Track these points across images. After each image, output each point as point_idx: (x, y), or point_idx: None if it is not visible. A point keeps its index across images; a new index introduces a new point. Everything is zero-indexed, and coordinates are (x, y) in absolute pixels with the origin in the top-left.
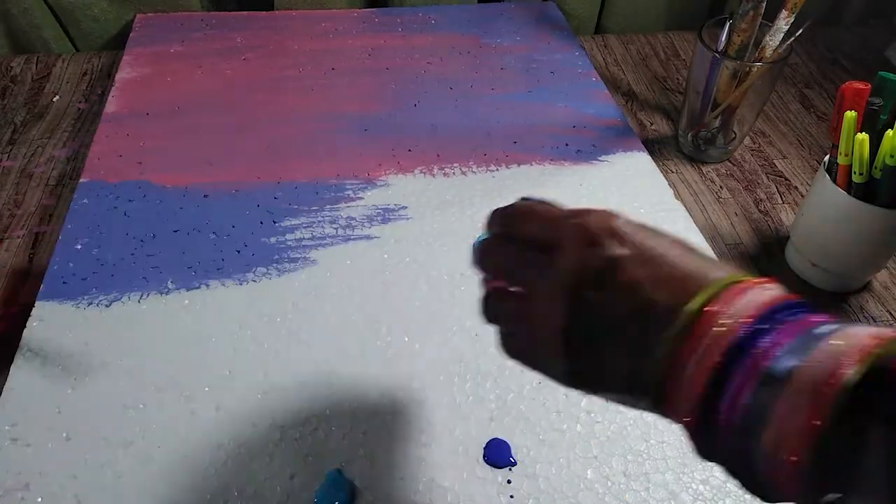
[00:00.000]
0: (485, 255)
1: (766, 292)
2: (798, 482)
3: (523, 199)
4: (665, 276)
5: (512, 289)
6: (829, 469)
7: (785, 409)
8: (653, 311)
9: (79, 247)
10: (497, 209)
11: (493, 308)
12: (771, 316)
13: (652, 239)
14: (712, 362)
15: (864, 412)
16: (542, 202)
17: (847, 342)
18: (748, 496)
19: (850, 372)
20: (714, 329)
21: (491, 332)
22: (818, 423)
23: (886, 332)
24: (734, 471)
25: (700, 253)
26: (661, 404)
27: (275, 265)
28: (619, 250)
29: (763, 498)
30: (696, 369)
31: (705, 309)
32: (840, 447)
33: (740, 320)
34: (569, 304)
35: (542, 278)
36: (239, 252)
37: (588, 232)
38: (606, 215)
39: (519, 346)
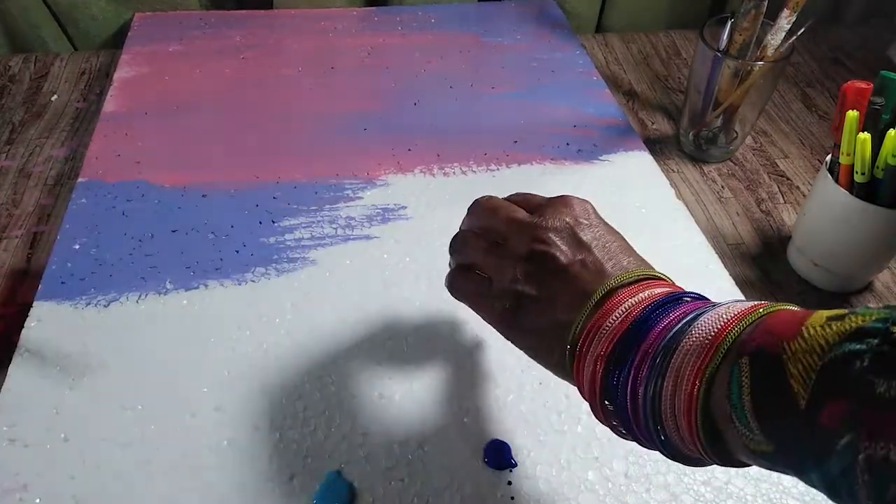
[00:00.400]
0: (460, 244)
1: (658, 290)
2: (695, 427)
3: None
4: (590, 263)
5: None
6: (718, 412)
7: (680, 360)
8: (577, 288)
9: (77, 247)
10: (474, 201)
11: (459, 284)
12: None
13: (595, 236)
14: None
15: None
16: (497, 206)
17: (727, 311)
18: (749, 496)
19: (733, 328)
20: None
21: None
22: (705, 364)
23: (761, 303)
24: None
25: (624, 251)
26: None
27: (274, 265)
28: (557, 238)
29: (684, 461)
30: (595, 357)
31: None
32: (721, 387)
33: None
34: (501, 277)
35: (500, 261)
36: (238, 252)
37: (532, 225)
38: (558, 215)
39: (469, 290)
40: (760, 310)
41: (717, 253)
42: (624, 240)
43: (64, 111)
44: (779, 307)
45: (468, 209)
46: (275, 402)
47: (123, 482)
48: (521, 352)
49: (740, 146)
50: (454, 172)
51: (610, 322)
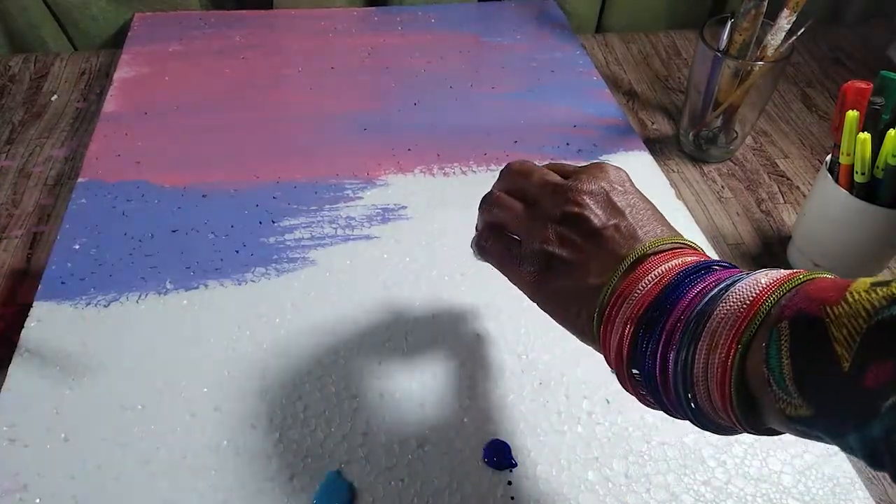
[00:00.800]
0: (491, 204)
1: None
2: (728, 393)
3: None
4: (623, 229)
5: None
6: (753, 374)
7: (715, 325)
8: (610, 251)
9: (77, 247)
10: (506, 165)
11: (488, 245)
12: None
13: (630, 202)
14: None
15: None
16: (531, 169)
17: (765, 277)
18: (749, 496)
19: (770, 294)
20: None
21: (492, 335)
22: (742, 329)
23: (798, 271)
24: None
25: (657, 220)
26: (598, 338)
27: (274, 265)
28: (591, 201)
29: (714, 429)
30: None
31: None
32: (758, 352)
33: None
34: (534, 237)
35: (531, 221)
36: (238, 252)
37: (566, 189)
38: (595, 181)
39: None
40: (800, 276)
41: (717, 253)
42: (657, 210)
43: (64, 111)
44: (817, 275)
45: (500, 172)
46: (275, 402)
47: (123, 482)
48: (549, 318)
49: (740, 146)
50: (454, 172)
51: (641, 286)
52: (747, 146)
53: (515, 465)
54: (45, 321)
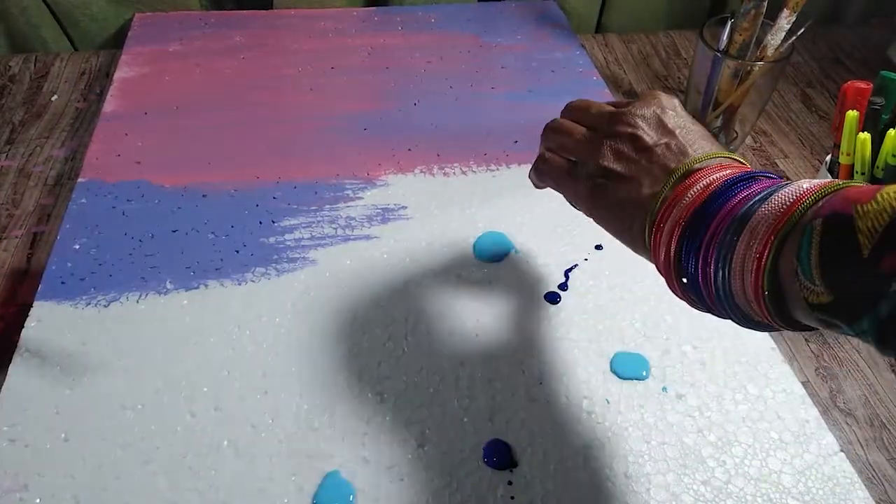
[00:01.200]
0: (553, 131)
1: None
2: (761, 283)
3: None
4: (674, 146)
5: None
6: (787, 268)
7: (756, 223)
8: (661, 166)
9: (77, 247)
10: (567, 104)
11: (548, 166)
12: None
13: (681, 123)
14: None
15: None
16: (590, 102)
17: (806, 183)
18: (749, 496)
19: (808, 197)
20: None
21: (492, 335)
22: (780, 226)
23: (838, 180)
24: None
25: (706, 137)
26: (651, 234)
27: (274, 265)
28: (644, 123)
29: (749, 325)
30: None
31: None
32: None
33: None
34: (592, 153)
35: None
36: (238, 252)
37: (618, 115)
38: (648, 106)
39: (554, 169)
40: (839, 182)
41: None
42: (707, 131)
43: (64, 111)
44: (856, 183)
45: (562, 110)
46: (275, 401)
47: (124, 482)
48: (604, 230)
49: (740, 146)
50: (454, 172)
51: (690, 195)
52: (747, 146)
53: (515, 464)
54: (46, 321)
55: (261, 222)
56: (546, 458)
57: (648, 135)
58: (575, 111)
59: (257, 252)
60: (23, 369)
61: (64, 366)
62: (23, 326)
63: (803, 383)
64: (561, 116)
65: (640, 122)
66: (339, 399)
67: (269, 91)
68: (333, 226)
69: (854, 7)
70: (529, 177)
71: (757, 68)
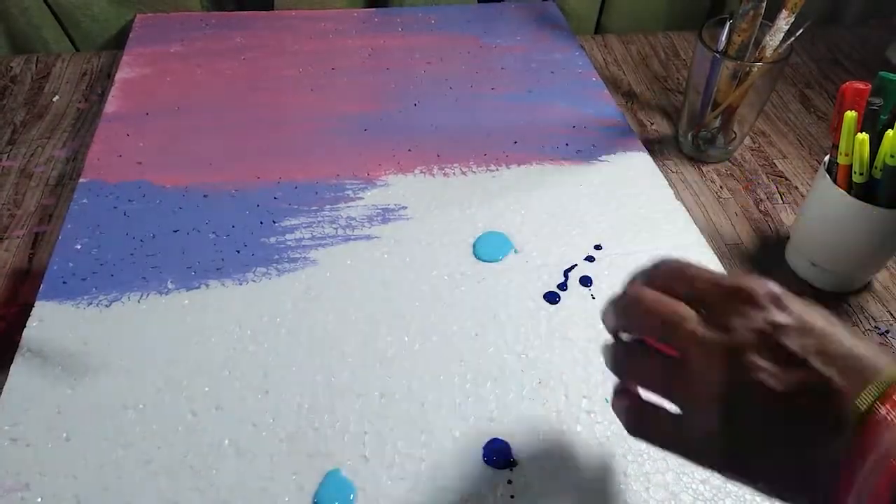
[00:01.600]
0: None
1: None
2: None
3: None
4: (833, 353)
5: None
6: None
7: None
8: (828, 386)
9: (78, 247)
10: (659, 262)
11: (633, 366)
12: None
13: (809, 312)
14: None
15: None
16: (688, 265)
17: None
18: (748, 496)
19: None
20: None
21: (492, 334)
22: None
23: None
24: None
25: (855, 334)
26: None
27: (274, 265)
28: (781, 316)
29: None
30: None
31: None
32: None
33: None
34: (729, 367)
35: (698, 341)
36: (239, 252)
37: (750, 294)
38: (764, 281)
39: (660, 423)
40: None
41: (715, 253)
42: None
43: (65, 112)
44: None
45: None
46: (276, 401)
47: (125, 481)
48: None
49: (739, 147)
50: (454, 172)
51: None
52: (746, 147)
53: (515, 463)
54: (47, 321)
55: (261, 222)
56: (546, 458)
57: (795, 332)
58: (678, 277)
59: (258, 252)
60: (24, 369)
61: (65, 365)
62: (24, 326)
63: None
64: (651, 274)
65: (787, 302)
66: (340, 398)
67: (270, 92)
68: (334, 226)
69: (852, 8)
70: (614, 368)
71: (756, 69)
